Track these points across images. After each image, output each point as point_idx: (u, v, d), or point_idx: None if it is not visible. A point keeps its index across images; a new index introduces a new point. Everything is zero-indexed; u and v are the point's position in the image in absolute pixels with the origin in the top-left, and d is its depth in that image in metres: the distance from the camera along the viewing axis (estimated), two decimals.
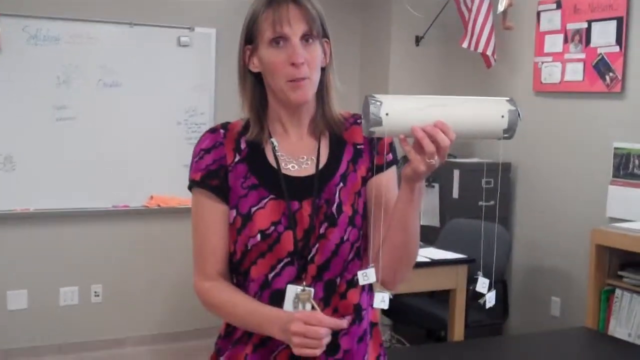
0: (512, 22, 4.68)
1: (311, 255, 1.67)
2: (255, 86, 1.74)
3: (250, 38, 1.71)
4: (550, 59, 4.67)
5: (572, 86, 4.53)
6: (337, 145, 1.77)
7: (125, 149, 4.93)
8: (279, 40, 1.64)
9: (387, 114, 1.43)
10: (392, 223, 1.63)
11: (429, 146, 1.44)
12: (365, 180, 1.75)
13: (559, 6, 4.60)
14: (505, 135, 1.49)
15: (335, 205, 1.71)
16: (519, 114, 1.48)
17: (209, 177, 1.71)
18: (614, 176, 4.29)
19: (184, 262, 5.10)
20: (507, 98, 1.49)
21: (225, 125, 1.78)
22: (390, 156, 1.78)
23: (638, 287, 3.77)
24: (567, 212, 4.59)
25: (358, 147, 1.78)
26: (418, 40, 5.40)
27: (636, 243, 3.71)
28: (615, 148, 4.29)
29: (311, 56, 1.66)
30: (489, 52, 4.76)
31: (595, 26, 4.39)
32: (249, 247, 1.67)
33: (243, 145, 1.74)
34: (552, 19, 4.64)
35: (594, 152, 4.37)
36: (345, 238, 1.69)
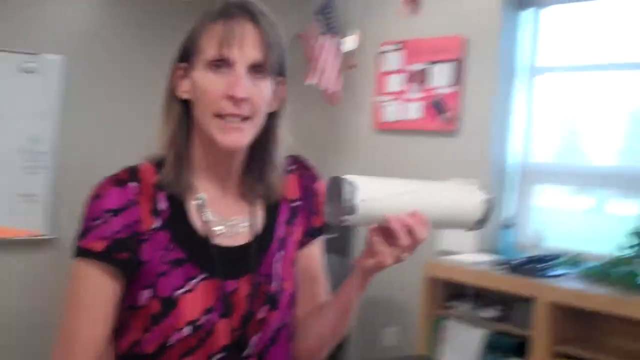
0: (356, 61, 4.82)
1: (250, 346, 1.37)
2: (182, 118, 1.39)
3: (186, 54, 1.37)
4: (390, 98, 4.83)
5: (412, 124, 4.69)
6: (272, 204, 1.47)
7: None
8: (220, 63, 1.32)
9: (363, 201, 1.24)
10: (331, 312, 1.45)
11: (406, 239, 1.27)
12: (299, 245, 1.50)
13: (400, 47, 4.78)
14: (478, 225, 1.39)
15: (275, 281, 1.41)
16: (492, 203, 1.38)
17: (117, 249, 1.31)
18: None
19: (17, 294, 4.89)
20: (480, 185, 1.40)
21: (134, 174, 1.36)
22: (322, 217, 1.52)
23: (466, 317, 3.91)
24: None
25: (293, 204, 1.50)
26: None
27: (464, 275, 3.85)
28: None
29: (257, 92, 1.33)
30: (334, 90, 4.88)
31: (433, 68, 4.58)
32: (171, 343, 1.31)
33: (162, 205, 1.36)
34: (393, 59, 4.81)
35: None
36: (285, 321, 1.43)
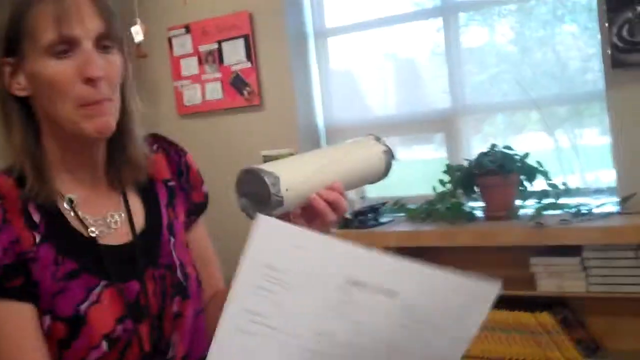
0: (146, 49, 4.76)
1: (171, 345, 1.26)
2: (25, 118, 1.21)
3: (11, 46, 1.17)
4: (189, 81, 4.83)
5: (215, 104, 4.73)
6: (147, 188, 1.34)
7: None
8: (62, 46, 1.15)
9: (287, 190, 1.17)
10: None
11: (332, 215, 1.21)
12: (186, 227, 1.39)
13: (188, 31, 4.78)
14: (383, 176, 1.37)
15: (178, 269, 1.30)
16: (392, 153, 1.37)
17: (7, 277, 1.14)
18: None
19: None
20: (373, 137, 1.38)
21: None
22: (206, 188, 1.44)
23: None
24: (233, 220, 4.77)
25: (169, 184, 1.37)
26: None
27: None
28: (264, 155, 4.57)
29: (111, 67, 1.19)
30: None
31: (225, 46, 4.63)
32: None
33: (36, 217, 1.19)
34: (183, 43, 4.81)
35: (245, 162, 4.59)
36: (199, 309, 1.33)
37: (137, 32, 4.48)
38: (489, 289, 1.14)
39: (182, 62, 4.83)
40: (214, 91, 4.70)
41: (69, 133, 1.19)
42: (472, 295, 1.14)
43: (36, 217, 1.19)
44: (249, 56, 4.53)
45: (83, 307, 1.17)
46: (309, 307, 1.06)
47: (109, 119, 1.19)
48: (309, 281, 1.05)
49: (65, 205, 1.23)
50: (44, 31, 1.14)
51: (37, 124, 1.22)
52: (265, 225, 1.03)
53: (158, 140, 1.42)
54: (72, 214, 1.23)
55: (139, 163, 1.30)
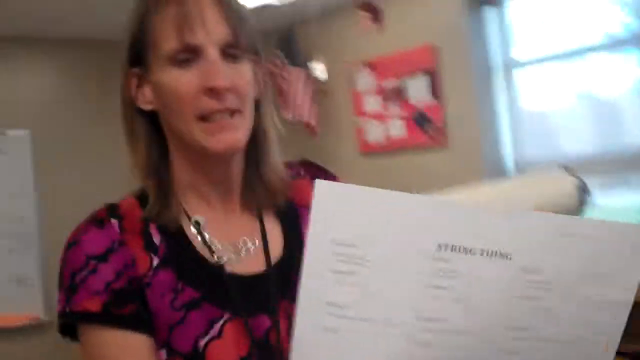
0: (328, 86, 4.75)
1: None
2: (152, 134, 1.13)
3: (136, 56, 1.10)
4: (371, 118, 4.76)
5: (397, 142, 4.63)
6: (288, 214, 1.20)
7: None
8: (185, 55, 1.05)
9: None
10: None
11: None
12: None
13: (370, 67, 4.72)
14: (577, 213, 1.23)
15: None
16: (586, 188, 1.23)
17: (118, 303, 1.03)
18: None
19: None
20: (563, 169, 1.26)
21: (114, 210, 1.09)
22: None
23: None
24: None
25: None
26: None
27: None
28: None
29: (239, 77, 1.07)
30: (312, 121, 4.79)
31: (409, 82, 4.53)
32: None
33: (157, 238, 1.09)
34: (366, 79, 4.76)
35: None
36: None
37: (317, 70, 4.47)
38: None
39: (365, 98, 4.77)
40: (397, 128, 4.59)
41: (194, 149, 1.08)
42: (615, 246, 0.89)
43: (157, 239, 1.09)
44: (433, 92, 4.39)
45: (203, 341, 1.04)
46: (400, 285, 0.87)
47: (235, 136, 1.07)
48: (392, 252, 0.87)
49: (191, 228, 1.12)
50: (165, 39, 1.05)
51: (164, 140, 1.13)
52: (326, 192, 0.86)
53: (306, 165, 1.31)
54: (198, 237, 1.11)
55: (274, 185, 1.18)
